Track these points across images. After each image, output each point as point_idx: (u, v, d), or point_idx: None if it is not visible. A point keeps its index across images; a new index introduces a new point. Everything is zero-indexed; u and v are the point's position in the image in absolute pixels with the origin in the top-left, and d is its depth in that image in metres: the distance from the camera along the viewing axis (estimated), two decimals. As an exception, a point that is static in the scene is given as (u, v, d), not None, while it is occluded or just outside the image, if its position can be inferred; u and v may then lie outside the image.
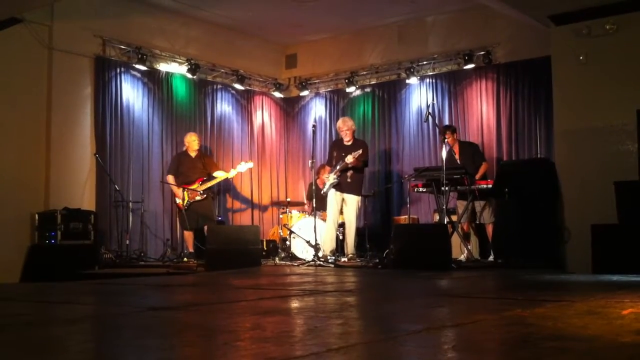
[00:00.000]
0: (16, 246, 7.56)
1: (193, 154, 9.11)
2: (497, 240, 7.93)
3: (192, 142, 9.11)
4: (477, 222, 8.14)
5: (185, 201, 8.76)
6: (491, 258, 7.87)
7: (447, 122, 9.77)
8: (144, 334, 2.68)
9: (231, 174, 9.22)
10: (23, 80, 8.23)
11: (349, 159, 8.19)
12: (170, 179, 8.96)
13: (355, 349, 2.27)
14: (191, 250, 8.70)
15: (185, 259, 8.48)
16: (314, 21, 10.31)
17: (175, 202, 9.02)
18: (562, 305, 3.53)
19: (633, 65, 7.00)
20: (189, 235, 8.83)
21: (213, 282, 5.83)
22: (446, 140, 8.05)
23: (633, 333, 2.53)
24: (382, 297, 4.43)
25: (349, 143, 8.60)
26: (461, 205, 8.07)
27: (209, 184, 8.96)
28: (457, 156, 8.28)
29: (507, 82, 9.27)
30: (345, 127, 8.61)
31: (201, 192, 8.76)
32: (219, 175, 9.13)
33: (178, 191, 8.85)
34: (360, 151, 8.26)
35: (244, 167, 9.30)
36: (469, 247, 7.91)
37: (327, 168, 8.74)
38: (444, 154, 7.59)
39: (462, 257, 7.79)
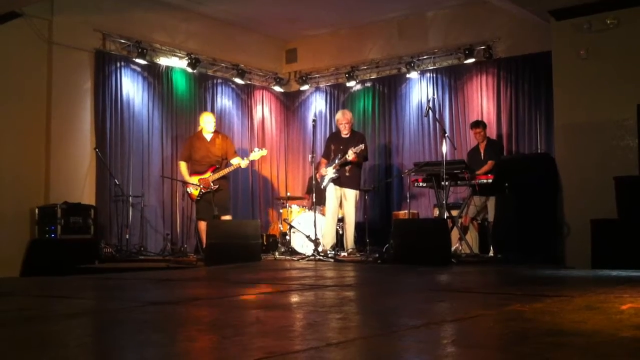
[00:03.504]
0: (16, 240, 7.57)
1: (208, 136, 8.58)
2: (496, 235, 7.93)
3: (207, 123, 8.60)
4: (482, 219, 8.15)
5: (198, 191, 8.34)
6: (491, 253, 7.87)
7: (447, 117, 9.79)
8: (144, 329, 2.68)
9: (244, 163, 8.50)
10: (23, 74, 8.22)
11: (350, 154, 8.18)
12: (183, 166, 8.53)
13: (355, 343, 2.27)
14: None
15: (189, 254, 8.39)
16: (314, 16, 10.30)
17: (186, 192, 8.57)
18: (561, 300, 3.53)
19: (634, 60, 7.00)
20: (202, 226, 8.33)
21: (213, 276, 5.84)
22: (475, 135, 8.32)
23: (632, 328, 2.53)
24: (381, 291, 4.44)
25: (347, 136, 8.59)
26: (476, 200, 8.05)
27: (221, 173, 8.40)
28: (482, 153, 8.28)
29: (508, 77, 9.26)
30: (345, 120, 8.60)
31: (212, 182, 8.28)
32: (234, 162, 8.49)
33: (189, 180, 8.41)
34: (362, 146, 8.25)
35: (257, 154, 8.63)
36: (467, 241, 7.90)
37: (324, 161, 8.71)
38: (444, 148, 7.58)
39: (459, 247, 7.79)
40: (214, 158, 8.53)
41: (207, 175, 8.40)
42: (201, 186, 8.37)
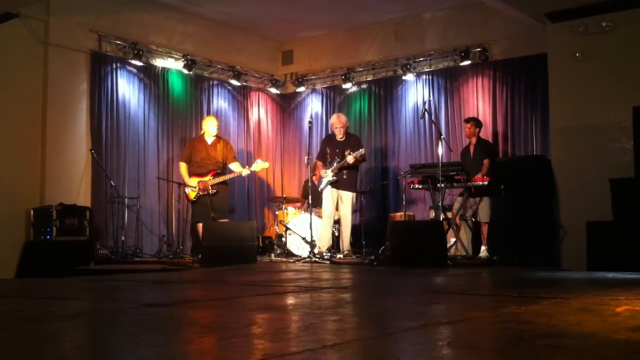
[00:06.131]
0: (11, 242, 7.53)
1: (210, 140, 8.68)
2: (492, 237, 7.94)
3: (209, 127, 8.69)
4: (474, 220, 8.14)
5: (195, 193, 8.40)
6: (481, 254, 7.86)
7: (443, 119, 9.80)
8: (140, 330, 2.68)
9: (244, 172, 8.67)
10: (18, 75, 8.19)
11: (350, 159, 8.19)
12: (183, 167, 8.63)
13: (351, 345, 2.27)
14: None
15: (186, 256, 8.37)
16: (310, 17, 10.30)
17: (184, 192, 8.64)
18: (557, 302, 3.54)
19: (629, 63, 7.01)
20: (200, 228, 8.26)
21: (209, 278, 5.84)
22: (465, 130, 8.27)
23: (628, 330, 2.54)
24: (377, 293, 4.44)
25: (342, 139, 8.60)
26: (471, 202, 8.05)
27: (221, 179, 8.50)
28: (471, 152, 8.28)
29: (504, 79, 9.27)
30: (340, 124, 8.59)
31: (211, 187, 8.35)
32: (235, 169, 8.65)
33: (188, 181, 8.49)
34: (362, 150, 8.27)
35: (259, 166, 8.70)
36: (461, 240, 7.89)
37: (319, 163, 8.70)
38: (440, 150, 7.60)
39: (458, 249, 7.79)
40: (214, 162, 8.60)
41: (207, 178, 8.47)
42: (198, 188, 8.40)
